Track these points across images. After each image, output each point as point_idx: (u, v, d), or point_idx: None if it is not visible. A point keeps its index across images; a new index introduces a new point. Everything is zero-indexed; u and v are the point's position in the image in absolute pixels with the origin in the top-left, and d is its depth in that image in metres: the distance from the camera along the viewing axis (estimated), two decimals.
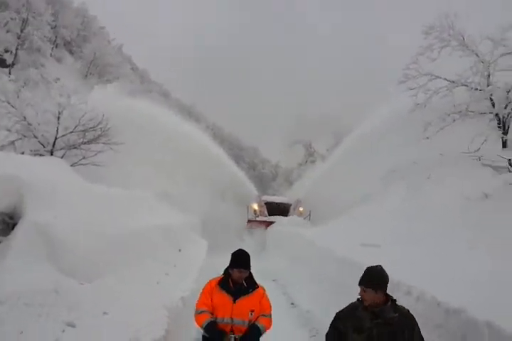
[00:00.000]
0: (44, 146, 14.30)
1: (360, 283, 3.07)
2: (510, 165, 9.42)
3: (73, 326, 3.84)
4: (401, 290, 5.31)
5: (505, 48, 10.98)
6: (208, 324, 3.51)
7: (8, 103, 14.21)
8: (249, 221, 23.16)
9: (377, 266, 3.11)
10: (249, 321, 3.61)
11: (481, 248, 6.60)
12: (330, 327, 3.17)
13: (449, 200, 9.05)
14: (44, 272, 4.35)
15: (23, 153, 12.96)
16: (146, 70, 52.74)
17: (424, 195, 10.25)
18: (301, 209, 25.04)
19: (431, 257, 6.74)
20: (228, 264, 3.67)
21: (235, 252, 3.71)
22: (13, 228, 5.01)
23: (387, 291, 3.09)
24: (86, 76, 37.24)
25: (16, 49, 34.24)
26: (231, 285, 3.63)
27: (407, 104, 12.72)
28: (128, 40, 53.25)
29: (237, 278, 3.60)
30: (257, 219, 23.43)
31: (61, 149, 14.54)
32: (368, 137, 20.23)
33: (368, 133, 20.44)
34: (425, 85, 12.10)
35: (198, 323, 3.60)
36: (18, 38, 34.68)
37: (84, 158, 14.54)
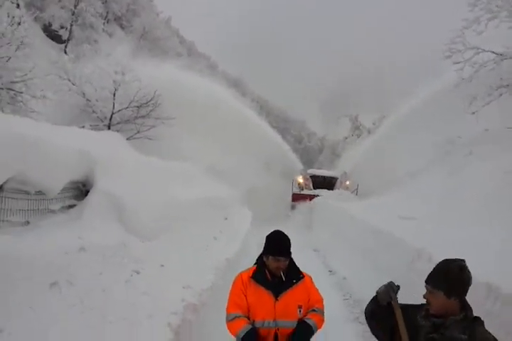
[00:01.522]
0: (102, 121, 15.61)
1: (428, 281, 2.22)
2: None
3: (138, 273, 4.81)
4: (423, 257, 5.90)
5: None
6: (247, 333, 2.73)
7: (69, 80, 15.53)
8: (293, 194, 23.39)
9: (458, 260, 2.19)
10: (298, 320, 2.88)
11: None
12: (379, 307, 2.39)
13: (489, 176, 9.26)
14: (113, 230, 5.35)
15: (83, 127, 14.30)
16: (194, 43, 53.46)
17: (466, 170, 10.46)
18: (347, 182, 25.14)
19: (461, 230, 7.19)
20: (262, 251, 2.95)
21: (271, 235, 2.95)
22: (85, 194, 6.05)
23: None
24: (136, 50, 38.59)
25: (71, 25, 35.72)
26: (269, 277, 2.89)
27: (453, 79, 12.62)
28: (175, 12, 53.92)
29: (274, 268, 2.86)
30: (302, 192, 23.62)
31: (117, 124, 15.79)
32: (414, 112, 20.09)
33: (414, 108, 20.27)
34: (471, 59, 11.93)
35: (232, 332, 2.84)
36: (72, 14, 36.08)
37: (138, 132, 15.74)
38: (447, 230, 7.34)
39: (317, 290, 3.13)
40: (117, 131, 15.21)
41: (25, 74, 12.04)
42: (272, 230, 3.01)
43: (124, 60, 17.18)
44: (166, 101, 16.70)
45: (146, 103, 16.07)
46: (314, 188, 24.39)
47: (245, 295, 2.89)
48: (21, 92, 12.00)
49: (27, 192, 4.70)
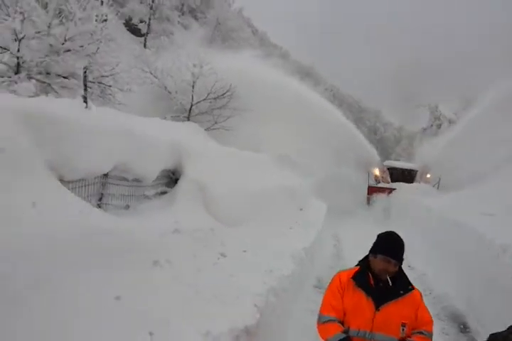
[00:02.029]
0: (182, 112, 16.52)
1: None
2: None
3: (224, 256, 5.23)
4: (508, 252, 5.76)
5: None
6: None
7: (151, 73, 16.58)
8: (369, 187, 22.87)
9: None
10: (400, 340, 2.58)
11: None
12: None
13: None
14: (201, 216, 5.84)
15: (165, 118, 15.25)
16: (266, 33, 53.80)
17: None
18: (428, 175, 23.97)
19: None
20: (370, 249, 2.77)
21: (383, 234, 2.79)
22: (175, 182, 6.61)
23: None
24: (211, 42, 39.78)
25: (149, 19, 37.44)
26: (371, 282, 2.64)
27: None
28: (247, 2, 54.46)
29: (381, 270, 2.60)
30: (379, 185, 23.05)
31: (196, 115, 16.64)
32: (499, 104, 18.79)
33: (499, 100, 18.93)
34: None
35: (322, 336, 2.65)
36: (150, 8, 37.78)
37: (215, 122, 16.45)
38: None
39: (427, 309, 2.73)
40: (196, 122, 16.08)
41: (113, 69, 13.07)
42: (386, 230, 2.83)
43: (200, 52, 17.92)
44: (241, 92, 17.21)
45: (223, 94, 16.71)
46: (392, 181, 23.63)
47: (342, 298, 2.64)
48: (110, 86, 13.07)
49: (126, 179, 5.29)
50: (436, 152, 26.21)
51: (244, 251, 5.86)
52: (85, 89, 10.33)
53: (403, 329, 2.56)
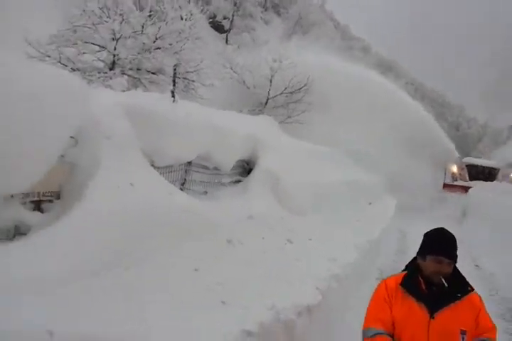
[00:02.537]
0: (258, 106, 17.00)
1: None
2: None
3: (291, 242, 5.54)
4: None
5: None
6: None
7: (231, 69, 17.21)
8: (445, 185, 21.88)
9: None
10: None
11: None
12: None
13: None
14: (272, 203, 6.20)
15: (241, 112, 15.83)
16: (348, 26, 52.76)
17: None
18: (511, 175, 22.65)
19: None
20: (418, 251, 2.41)
21: (431, 232, 2.41)
22: (248, 172, 7.03)
23: None
24: (292, 36, 39.95)
25: (232, 15, 38.26)
26: (423, 286, 2.29)
27: None
28: None
29: (434, 273, 2.24)
30: (455, 183, 22.03)
31: (271, 108, 17.02)
32: None
33: None
34: None
35: None
36: (234, 5, 38.58)
37: (289, 117, 16.72)
38: None
39: (488, 313, 2.37)
40: (270, 115, 16.45)
41: (198, 65, 13.80)
42: (434, 228, 2.44)
43: (280, 48, 18.17)
44: (318, 86, 17.26)
45: (299, 89, 16.91)
46: (470, 179, 22.49)
47: (390, 307, 2.28)
48: (193, 81, 13.84)
49: (207, 168, 5.79)
50: None
51: (310, 239, 6.13)
52: (174, 85, 11.08)
53: (463, 338, 2.21)
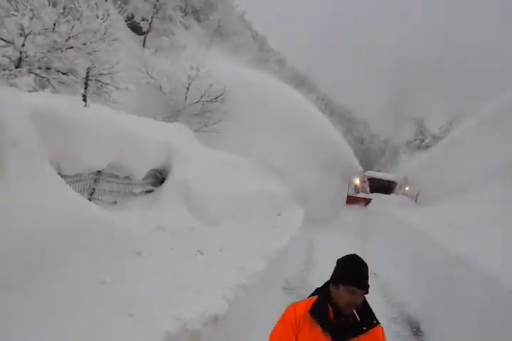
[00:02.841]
0: (173, 113, 16.89)
1: None
2: None
3: (202, 253, 5.66)
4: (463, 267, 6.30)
5: None
6: None
7: (148, 74, 16.93)
8: (348, 197, 23.01)
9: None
10: None
11: None
12: None
13: None
14: (184, 214, 6.26)
15: (156, 118, 15.60)
16: (266, 37, 54.42)
17: None
18: (407, 188, 24.18)
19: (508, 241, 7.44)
20: (330, 278, 2.34)
21: (344, 260, 2.36)
22: (161, 181, 7.03)
23: None
24: (210, 43, 40.24)
25: (152, 17, 37.55)
26: (331, 315, 2.24)
27: None
28: (251, 5, 54.94)
29: (347, 304, 2.21)
30: (358, 195, 23.23)
31: (187, 116, 17.00)
32: (481, 124, 19.53)
33: (482, 120, 19.66)
34: None
35: None
36: (154, 7, 37.92)
37: (205, 125, 16.85)
38: (493, 240, 7.64)
39: None
40: (186, 123, 16.43)
41: (112, 67, 13.39)
42: (346, 254, 2.38)
43: (198, 54, 18.27)
44: (235, 96, 17.63)
45: (216, 98, 17.13)
46: (371, 191, 23.87)
47: (296, 334, 2.22)
48: (107, 84, 13.38)
49: (117, 177, 5.70)
50: (418, 166, 26.74)
51: (221, 250, 6.31)
52: (85, 88, 10.62)
53: None
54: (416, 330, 6.91)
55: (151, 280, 4.08)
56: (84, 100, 7.13)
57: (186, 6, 41.98)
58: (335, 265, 2.36)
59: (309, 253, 11.58)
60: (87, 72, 10.51)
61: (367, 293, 2.24)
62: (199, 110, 17.34)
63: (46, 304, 3.00)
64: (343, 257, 2.37)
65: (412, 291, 8.33)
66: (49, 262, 3.24)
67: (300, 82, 48.26)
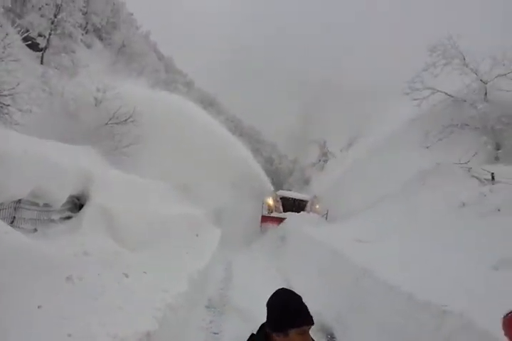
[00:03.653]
0: (82, 136, 16.51)
1: None
2: (492, 178, 11.14)
3: (127, 276, 5.88)
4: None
5: (504, 68, 12.76)
6: None
7: (51, 94, 16.48)
8: (263, 217, 23.55)
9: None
10: None
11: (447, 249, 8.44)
12: None
13: (435, 206, 10.91)
14: (107, 239, 6.43)
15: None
16: (171, 59, 54.93)
17: (416, 200, 12.11)
18: (317, 206, 25.35)
19: (406, 251, 8.64)
20: (269, 325, 2.09)
21: (278, 300, 2.14)
22: (79, 207, 7.10)
23: None
24: (114, 64, 39.71)
25: (49, 34, 36.16)
26: None
27: (410, 115, 14.62)
28: (154, 27, 55.45)
29: None
30: (272, 215, 23.81)
31: (96, 140, 16.72)
32: (377, 143, 21.95)
33: (377, 140, 22.10)
34: (428, 97, 14.01)
35: None
36: (52, 23, 36.59)
37: (116, 148, 16.72)
38: (395, 252, 8.82)
39: None
40: (96, 146, 16.16)
41: (13, 88, 12.94)
42: (276, 290, 2.19)
43: (104, 77, 18.20)
44: (145, 119, 17.75)
45: (125, 120, 17.14)
46: (284, 211, 24.53)
47: None
48: (8, 105, 12.88)
49: (36, 204, 5.76)
50: (325, 185, 28.70)
51: (145, 273, 6.55)
52: None
53: None
54: (330, 337, 7.60)
55: (84, 303, 4.29)
56: None
57: (87, 23, 41.18)
58: (266, 309, 2.13)
59: (228, 272, 12.05)
60: None
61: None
62: (108, 132, 17.17)
63: None
64: (273, 297, 2.15)
65: (325, 302, 9.09)
66: None
67: (209, 103, 49.32)
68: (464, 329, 4.61)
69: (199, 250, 10.43)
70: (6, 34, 12.80)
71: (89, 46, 39.77)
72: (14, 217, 5.20)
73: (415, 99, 14.53)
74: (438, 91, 14.18)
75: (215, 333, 7.06)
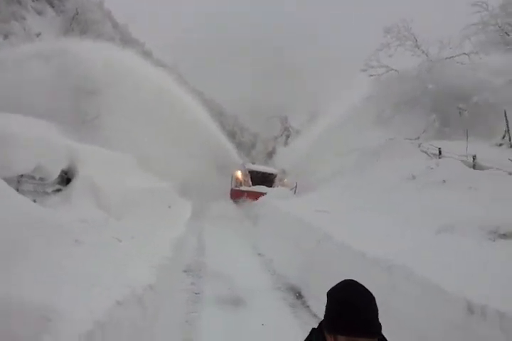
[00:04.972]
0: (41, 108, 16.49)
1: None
2: (439, 152, 12.57)
3: (120, 241, 6.72)
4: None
5: (451, 51, 14.10)
6: None
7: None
8: (232, 190, 24.20)
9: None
10: None
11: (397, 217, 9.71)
12: None
13: (388, 178, 12.27)
14: (94, 209, 7.22)
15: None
16: (127, 27, 53.41)
17: (371, 173, 13.49)
18: (285, 180, 26.04)
19: (358, 219, 9.93)
20: (326, 324, 1.77)
21: (342, 295, 1.77)
22: (67, 181, 7.78)
23: None
24: (68, 32, 38.46)
25: None
26: None
27: (366, 92, 15.83)
28: None
29: None
30: (241, 188, 24.15)
31: (58, 112, 16.73)
32: (335, 119, 23.18)
33: (335, 116, 23.30)
34: (382, 75, 15.25)
35: None
36: None
37: (83, 122, 16.90)
38: (350, 219, 10.10)
39: None
40: (59, 119, 16.17)
41: None
42: (342, 281, 1.86)
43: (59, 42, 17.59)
44: (113, 90, 17.62)
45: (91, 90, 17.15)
46: (253, 184, 24.61)
47: None
48: None
49: (34, 178, 6.43)
50: (290, 159, 29.26)
51: (132, 237, 7.39)
52: None
53: None
54: (298, 295, 8.69)
55: (95, 261, 5.13)
56: None
57: None
58: (326, 298, 1.83)
59: (200, 241, 13.09)
60: None
61: (379, 335, 1.73)
62: (72, 105, 17.16)
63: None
64: (338, 289, 1.82)
65: (292, 265, 10.22)
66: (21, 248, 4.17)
67: (168, 73, 48.69)
68: (406, 279, 5.77)
69: (174, 219, 11.33)
70: None
71: (40, 13, 38.23)
72: (17, 189, 5.86)
73: (371, 75, 15.76)
74: (392, 69, 15.41)
75: (196, 293, 8.10)
